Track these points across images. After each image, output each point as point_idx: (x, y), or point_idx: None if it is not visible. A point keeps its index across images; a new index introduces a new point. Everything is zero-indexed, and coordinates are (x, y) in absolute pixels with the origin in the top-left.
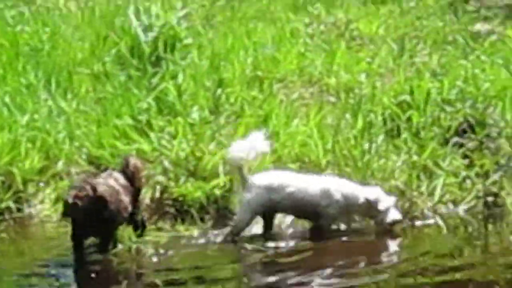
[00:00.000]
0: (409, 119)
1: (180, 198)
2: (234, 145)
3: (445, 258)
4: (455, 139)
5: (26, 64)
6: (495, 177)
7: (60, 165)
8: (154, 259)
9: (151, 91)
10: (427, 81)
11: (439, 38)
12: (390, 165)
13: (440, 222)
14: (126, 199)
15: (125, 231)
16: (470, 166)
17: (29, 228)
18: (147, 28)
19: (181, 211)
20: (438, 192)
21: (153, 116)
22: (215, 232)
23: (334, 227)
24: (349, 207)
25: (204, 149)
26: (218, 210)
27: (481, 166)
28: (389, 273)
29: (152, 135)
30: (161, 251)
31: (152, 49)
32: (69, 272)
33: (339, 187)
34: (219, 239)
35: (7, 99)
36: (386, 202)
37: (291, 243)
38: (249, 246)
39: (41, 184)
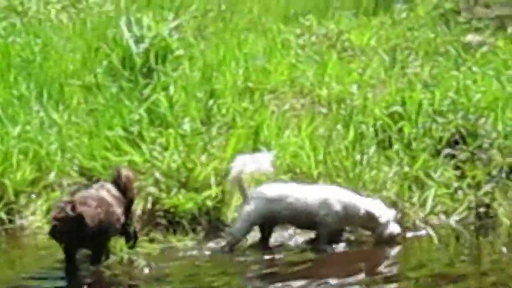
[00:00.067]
0: (400, 130)
1: (172, 209)
2: (239, 158)
3: (436, 269)
4: (447, 150)
5: (17, 76)
6: (487, 188)
7: (52, 176)
8: (146, 271)
9: (143, 102)
10: (418, 92)
11: (431, 49)
12: (382, 176)
13: (432, 233)
14: (118, 210)
15: (117, 243)
16: (462, 177)
17: (21, 240)
18: (138, 40)
19: (173, 222)
20: (429, 203)
21: (145, 127)
22: (210, 243)
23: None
24: (348, 218)
25: (195, 160)
26: (210, 221)
27: (473, 177)
28: (384, 283)
29: (143, 146)
30: (153, 262)
31: (144, 61)
32: (61, 283)
33: (340, 197)
34: (215, 250)
35: None
36: (386, 215)
37: (287, 254)
38: (245, 258)
39: (33, 196)
